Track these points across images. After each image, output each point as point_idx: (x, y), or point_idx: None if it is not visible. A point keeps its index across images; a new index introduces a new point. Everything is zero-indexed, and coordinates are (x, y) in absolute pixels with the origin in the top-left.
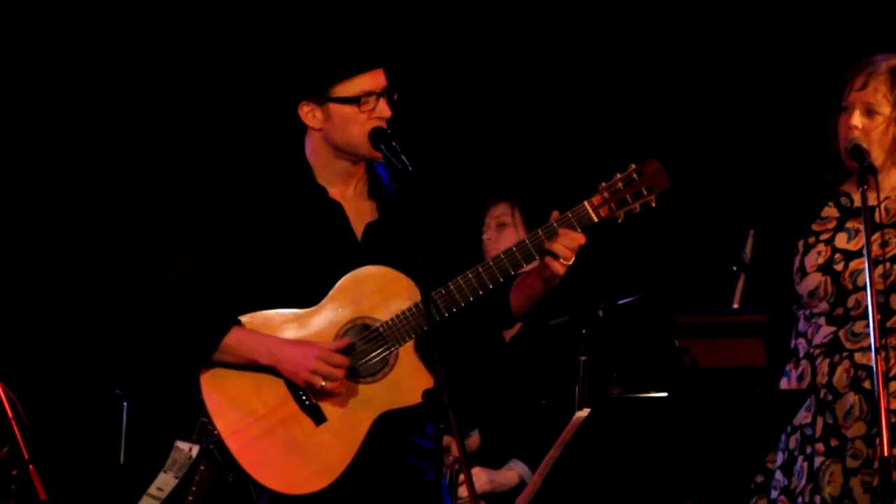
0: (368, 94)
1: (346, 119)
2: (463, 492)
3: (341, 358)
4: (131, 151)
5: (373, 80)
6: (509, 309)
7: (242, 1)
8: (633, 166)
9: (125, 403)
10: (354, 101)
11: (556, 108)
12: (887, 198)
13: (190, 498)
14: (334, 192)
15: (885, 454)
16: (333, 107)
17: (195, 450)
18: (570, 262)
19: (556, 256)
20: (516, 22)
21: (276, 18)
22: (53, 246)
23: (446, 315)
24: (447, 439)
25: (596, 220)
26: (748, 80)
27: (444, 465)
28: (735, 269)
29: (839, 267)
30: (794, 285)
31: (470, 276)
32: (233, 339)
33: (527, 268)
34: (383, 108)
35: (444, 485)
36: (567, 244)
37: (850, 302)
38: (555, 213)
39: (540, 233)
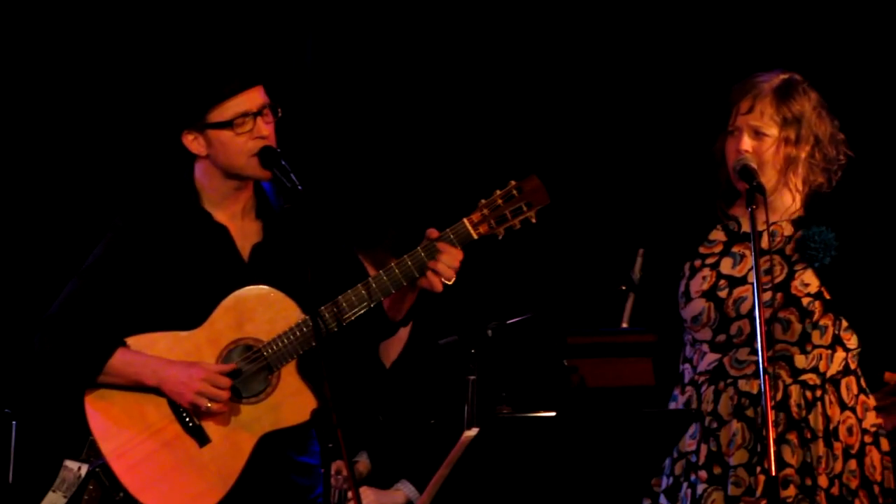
0: (243, 115)
1: (226, 143)
2: None
3: (226, 380)
4: (19, 174)
5: (247, 100)
6: (386, 317)
7: (126, 26)
8: (513, 183)
9: (14, 422)
10: (228, 125)
11: (432, 130)
12: (775, 223)
13: None
14: (221, 215)
15: (773, 473)
16: (212, 133)
17: (84, 469)
18: (452, 281)
19: (437, 274)
20: (391, 45)
21: (156, 46)
22: None
23: (329, 334)
24: (337, 465)
25: (475, 237)
26: (637, 99)
27: (331, 485)
28: (624, 288)
29: (723, 294)
30: (679, 309)
31: (351, 295)
32: (118, 360)
33: None
34: (261, 128)
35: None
36: (449, 262)
37: (733, 329)
38: (433, 231)
39: (420, 251)
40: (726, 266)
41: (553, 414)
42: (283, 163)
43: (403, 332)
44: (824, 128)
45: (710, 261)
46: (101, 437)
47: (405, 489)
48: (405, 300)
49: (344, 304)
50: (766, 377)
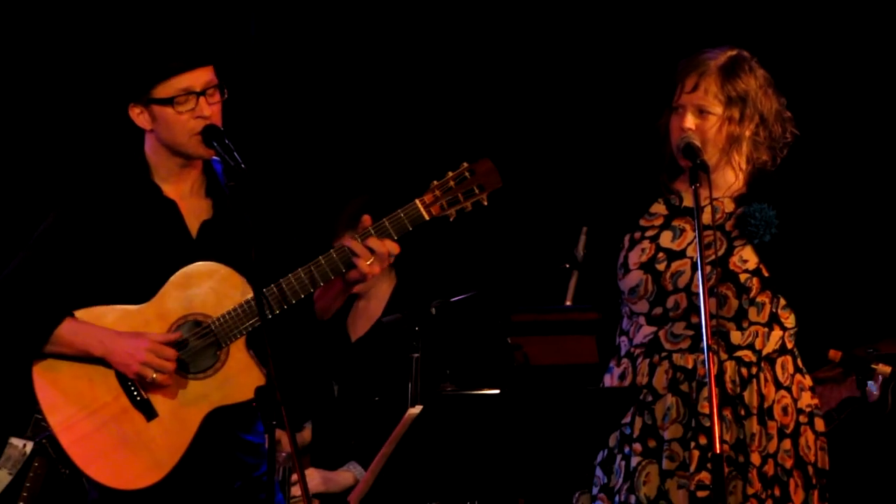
0: (186, 93)
1: (168, 120)
2: (296, 490)
3: (171, 351)
4: None
5: (192, 79)
6: (314, 312)
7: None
8: (466, 165)
9: None
10: (169, 101)
11: (387, 110)
12: (717, 198)
13: (24, 494)
14: (169, 190)
15: (717, 451)
16: (156, 108)
17: (29, 446)
18: (379, 268)
19: (359, 258)
20: (344, 22)
21: (105, 20)
22: None
23: (277, 312)
24: (279, 433)
25: (427, 218)
26: (579, 77)
27: (276, 463)
28: (568, 266)
29: (661, 266)
30: (617, 281)
31: (301, 273)
32: (65, 329)
33: None
34: (203, 107)
35: (276, 481)
36: (375, 248)
37: (670, 303)
38: (367, 218)
39: (371, 231)
40: (666, 239)
41: (497, 392)
42: (227, 141)
43: (376, 309)
44: (770, 106)
45: (649, 233)
46: (49, 410)
47: (354, 470)
48: (335, 293)
49: (293, 282)
50: (711, 354)
